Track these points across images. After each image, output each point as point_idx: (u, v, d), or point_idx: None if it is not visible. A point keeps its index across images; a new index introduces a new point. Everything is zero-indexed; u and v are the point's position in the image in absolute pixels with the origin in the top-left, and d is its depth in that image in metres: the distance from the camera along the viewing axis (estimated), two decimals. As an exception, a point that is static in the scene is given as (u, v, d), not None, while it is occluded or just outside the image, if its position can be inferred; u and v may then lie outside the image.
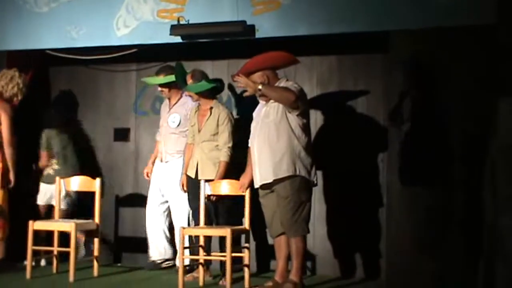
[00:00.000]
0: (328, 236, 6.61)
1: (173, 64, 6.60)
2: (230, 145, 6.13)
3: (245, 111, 6.87)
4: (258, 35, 6.14)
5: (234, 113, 6.75)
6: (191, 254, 6.16)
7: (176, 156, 6.59)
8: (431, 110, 5.83)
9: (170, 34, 6.28)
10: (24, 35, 6.80)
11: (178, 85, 6.59)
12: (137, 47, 6.72)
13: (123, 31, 6.57)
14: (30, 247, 6.23)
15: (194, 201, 6.22)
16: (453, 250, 5.68)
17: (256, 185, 5.73)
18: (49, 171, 7.00)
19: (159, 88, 6.71)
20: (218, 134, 6.17)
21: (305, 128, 5.59)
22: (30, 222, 6.24)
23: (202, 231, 5.98)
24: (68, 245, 6.20)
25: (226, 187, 6.06)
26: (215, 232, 6.02)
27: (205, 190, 6.05)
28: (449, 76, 5.73)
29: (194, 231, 6.01)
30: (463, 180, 5.69)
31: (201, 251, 6.02)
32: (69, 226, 6.18)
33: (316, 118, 6.62)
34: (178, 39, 6.37)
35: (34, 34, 6.78)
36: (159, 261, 6.76)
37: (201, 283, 5.97)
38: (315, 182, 5.64)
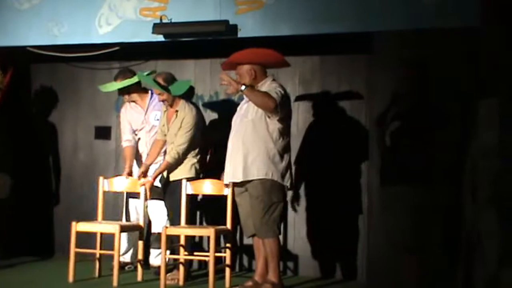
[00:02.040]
0: (309, 237, 6.61)
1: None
2: (182, 147, 6.08)
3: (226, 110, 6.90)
4: (241, 34, 6.12)
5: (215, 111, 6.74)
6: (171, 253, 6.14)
7: (163, 157, 6.56)
8: (415, 111, 5.85)
9: (153, 33, 6.25)
10: (5, 31, 6.74)
11: (139, 86, 6.55)
12: (119, 45, 6.66)
13: (105, 28, 6.53)
14: (73, 248, 6.03)
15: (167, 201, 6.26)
16: (433, 251, 5.70)
17: (225, 181, 5.74)
18: None
19: (119, 94, 6.67)
20: None
21: (284, 131, 5.57)
22: (73, 223, 6.04)
23: (185, 231, 5.96)
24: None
25: (209, 187, 6.04)
26: (198, 232, 6.00)
27: (186, 189, 6.04)
28: (432, 77, 5.75)
29: (177, 231, 5.96)
30: (444, 182, 5.70)
31: (181, 250, 6.00)
32: (113, 228, 6.02)
33: (298, 119, 6.62)
34: (160, 38, 6.33)
35: (15, 30, 6.72)
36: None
37: (181, 283, 5.95)
38: (288, 186, 5.60)
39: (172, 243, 6.04)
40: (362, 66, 6.41)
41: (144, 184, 6.16)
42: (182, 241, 6.00)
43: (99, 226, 6.17)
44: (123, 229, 6.08)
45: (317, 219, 6.60)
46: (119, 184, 6.42)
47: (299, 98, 6.68)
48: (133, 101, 6.64)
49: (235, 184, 5.66)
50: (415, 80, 5.83)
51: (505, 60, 5.25)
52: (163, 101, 6.21)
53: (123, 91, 6.60)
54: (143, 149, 6.64)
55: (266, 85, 5.62)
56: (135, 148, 6.67)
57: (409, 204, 5.74)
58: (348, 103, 6.58)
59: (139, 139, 6.68)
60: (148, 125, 6.60)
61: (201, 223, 6.86)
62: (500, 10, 5.28)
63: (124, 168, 6.58)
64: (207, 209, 6.84)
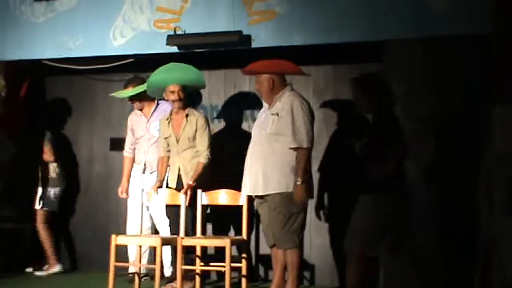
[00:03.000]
0: (325, 246, 6.60)
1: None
2: (209, 148, 6.09)
3: (240, 120, 6.94)
4: (254, 44, 6.17)
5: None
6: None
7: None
8: (426, 117, 5.86)
9: (167, 44, 6.31)
10: (21, 45, 6.84)
11: (146, 95, 6.58)
12: (134, 57, 6.73)
13: (120, 41, 6.60)
14: (112, 263, 5.83)
15: (171, 212, 6.18)
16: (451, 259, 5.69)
17: (244, 194, 5.75)
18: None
19: (130, 102, 6.71)
20: (196, 139, 6.12)
21: None
22: (113, 237, 5.88)
23: (200, 242, 5.96)
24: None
25: (224, 197, 6.05)
26: (213, 242, 6.00)
27: (202, 199, 6.06)
28: (443, 84, 5.76)
29: (192, 241, 5.96)
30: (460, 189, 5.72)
31: (198, 261, 6.00)
32: (154, 241, 5.89)
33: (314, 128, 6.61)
34: (174, 49, 6.39)
35: (31, 44, 6.81)
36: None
37: (197, 293, 5.97)
38: (308, 196, 5.56)
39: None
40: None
41: (186, 192, 6.01)
42: (198, 252, 6.00)
43: (139, 240, 6.09)
44: (164, 242, 5.92)
45: (333, 228, 6.59)
46: (159, 197, 6.22)
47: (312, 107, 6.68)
48: (142, 109, 6.71)
49: (256, 195, 5.67)
50: (425, 87, 5.86)
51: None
52: (176, 100, 6.13)
53: (134, 99, 6.65)
54: (142, 158, 6.68)
55: (285, 97, 5.61)
56: (133, 159, 6.77)
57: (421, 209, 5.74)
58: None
59: (134, 148, 6.76)
60: (148, 134, 6.64)
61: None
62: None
63: (122, 180, 6.75)
64: (216, 219, 6.85)
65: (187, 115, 6.16)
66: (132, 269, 6.39)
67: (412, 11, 5.69)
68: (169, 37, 6.28)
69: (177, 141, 6.16)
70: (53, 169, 7.13)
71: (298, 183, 5.39)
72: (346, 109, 6.62)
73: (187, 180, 6.05)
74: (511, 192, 5.32)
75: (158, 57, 6.52)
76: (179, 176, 6.16)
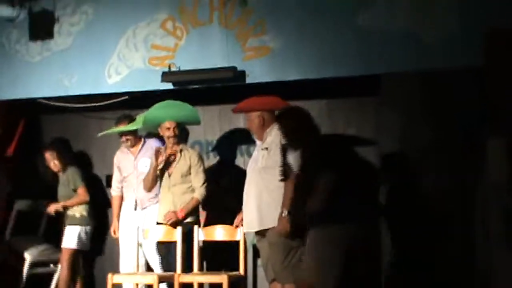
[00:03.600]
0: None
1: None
2: (205, 184, 6.12)
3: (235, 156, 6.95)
4: (249, 80, 6.19)
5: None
6: None
7: (154, 201, 6.53)
8: (422, 149, 5.90)
9: (162, 81, 6.33)
10: (17, 84, 6.84)
11: (137, 132, 6.65)
12: (129, 94, 6.75)
13: (115, 78, 6.62)
14: None
15: (162, 248, 6.19)
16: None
17: (244, 230, 5.76)
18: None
19: (124, 137, 6.71)
20: (190, 175, 6.15)
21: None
22: (109, 275, 5.95)
23: (197, 278, 5.93)
24: None
25: (221, 232, 6.04)
26: (210, 278, 5.98)
27: (198, 235, 6.05)
28: (439, 116, 5.81)
29: (190, 278, 5.93)
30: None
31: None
32: (151, 278, 5.90)
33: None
34: (169, 86, 6.41)
35: (26, 83, 6.81)
36: None
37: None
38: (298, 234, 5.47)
39: None
40: (370, 108, 6.45)
41: (173, 222, 6.05)
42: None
43: (136, 278, 6.06)
44: (161, 279, 5.92)
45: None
46: (154, 233, 6.26)
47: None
48: (133, 146, 6.74)
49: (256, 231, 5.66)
50: (422, 121, 5.91)
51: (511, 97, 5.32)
52: (171, 137, 6.19)
53: (128, 135, 6.68)
54: (131, 195, 6.68)
55: (274, 131, 5.61)
56: (121, 197, 6.78)
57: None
58: (357, 146, 6.58)
59: (122, 186, 6.79)
60: (137, 171, 6.66)
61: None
62: (504, 49, 5.35)
63: (113, 220, 6.78)
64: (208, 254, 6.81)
65: (181, 151, 6.20)
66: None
67: (406, 44, 5.74)
68: (164, 74, 6.31)
69: (169, 175, 6.18)
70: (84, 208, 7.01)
71: (283, 215, 5.22)
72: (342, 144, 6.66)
73: (178, 211, 6.06)
74: (507, 223, 5.32)
75: (153, 94, 6.54)
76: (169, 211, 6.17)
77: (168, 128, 6.19)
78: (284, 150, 5.26)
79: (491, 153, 5.40)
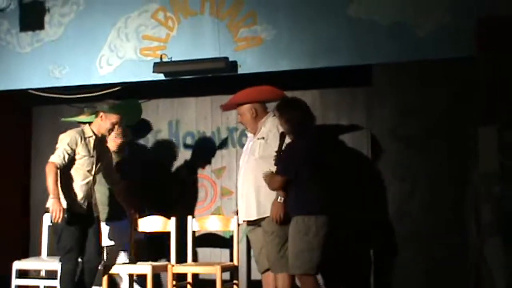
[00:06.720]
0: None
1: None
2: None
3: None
4: (241, 70, 6.19)
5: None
6: None
7: None
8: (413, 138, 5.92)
9: (153, 72, 6.31)
10: (7, 75, 6.81)
11: None
12: (120, 85, 6.73)
13: (106, 69, 6.60)
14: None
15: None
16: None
17: (240, 220, 5.76)
18: None
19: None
20: None
21: None
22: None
23: (191, 269, 5.95)
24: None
25: (215, 223, 6.07)
26: (204, 269, 6.00)
27: (192, 225, 6.07)
28: (428, 107, 5.84)
29: (183, 268, 5.95)
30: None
31: None
32: (146, 268, 5.88)
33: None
34: (161, 77, 6.40)
35: (17, 74, 6.79)
36: None
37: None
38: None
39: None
40: (362, 98, 6.47)
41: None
42: (190, 279, 5.99)
43: (131, 268, 6.04)
44: (155, 269, 5.92)
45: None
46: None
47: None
48: None
49: (248, 222, 5.68)
50: (413, 110, 5.93)
51: (503, 87, 5.34)
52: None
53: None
54: None
55: (269, 121, 5.67)
56: None
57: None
58: (348, 135, 6.60)
59: None
60: None
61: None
62: (496, 38, 5.37)
63: None
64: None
65: None
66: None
67: (397, 35, 5.75)
68: (156, 65, 6.30)
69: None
70: None
71: (278, 200, 5.33)
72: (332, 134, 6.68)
73: None
74: (498, 213, 5.36)
75: (145, 84, 6.54)
76: None
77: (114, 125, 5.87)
78: (282, 138, 5.31)
79: (482, 143, 5.42)
